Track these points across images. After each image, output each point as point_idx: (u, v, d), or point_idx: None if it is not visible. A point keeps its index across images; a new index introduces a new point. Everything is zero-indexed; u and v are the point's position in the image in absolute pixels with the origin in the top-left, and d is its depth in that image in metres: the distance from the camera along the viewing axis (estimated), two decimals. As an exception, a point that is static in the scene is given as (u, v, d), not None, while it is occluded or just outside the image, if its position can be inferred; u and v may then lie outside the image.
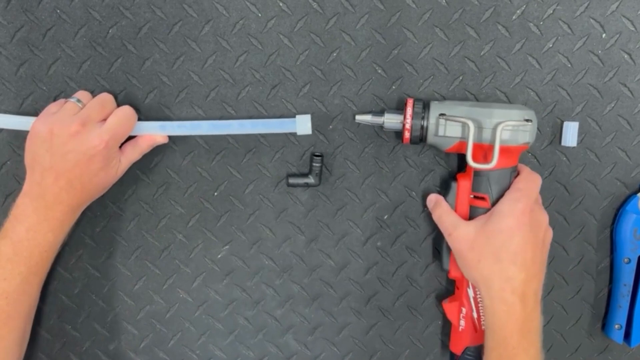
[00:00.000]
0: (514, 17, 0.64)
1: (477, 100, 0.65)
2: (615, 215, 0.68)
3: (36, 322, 0.68)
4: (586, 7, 0.64)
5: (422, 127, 0.60)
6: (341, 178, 0.67)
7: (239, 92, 0.65)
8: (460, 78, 0.65)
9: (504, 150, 0.58)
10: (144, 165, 0.66)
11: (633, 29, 0.64)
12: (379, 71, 0.65)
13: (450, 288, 0.69)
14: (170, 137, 0.65)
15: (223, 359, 0.71)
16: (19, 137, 0.64)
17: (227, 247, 0.69)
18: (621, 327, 0.68)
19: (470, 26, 0.64)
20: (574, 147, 0.66)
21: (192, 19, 0.63)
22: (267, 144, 0.66)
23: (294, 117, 0.62)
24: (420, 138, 0.61)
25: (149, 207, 0.67)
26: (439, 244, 0.68)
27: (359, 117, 0.63)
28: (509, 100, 0.66)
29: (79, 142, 0.56)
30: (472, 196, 0.61)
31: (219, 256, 0.69)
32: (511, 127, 0.57)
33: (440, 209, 0.62)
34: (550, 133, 0.66)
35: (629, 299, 0.68)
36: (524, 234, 0.56)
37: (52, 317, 0.69)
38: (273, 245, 0.69)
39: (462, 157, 0.58)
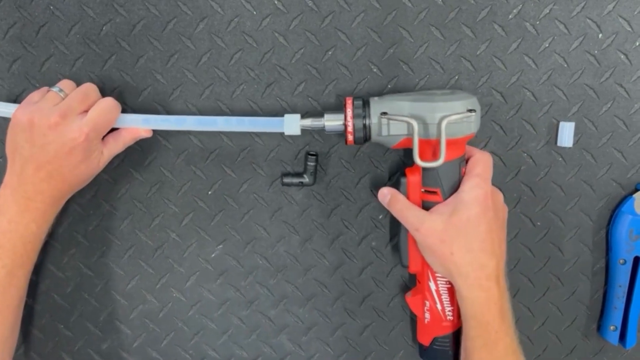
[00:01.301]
0: (510, 16, 0.64)
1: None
2: (611, 216, 0.68)
3: (28, 321, 0.68)
4: (583, 7, 0.64)
5: (364, 126, 0.57)
6: (336, 177, 0.67)
7: (233, 90, 0.64)
8: (456, 77, 0.65)
9: (451, 143, 0.56)
10: (137, 163, 0.66)
11: (629, 29, 0.64)
12: (375, 70, 0.64)
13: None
14: (163, 136, 0.65)
15: (216, 359, 0.70)
16: (11, 135, 0.64)
17: (221, 246, 0.68)
18: (616, 328, 0.68)
19: (467, 25, 0.64)
20: (569, 148, 0.66)
21: (186, 16, 0.63)
22: (261, 142, 0.66)
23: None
24: (364, 138, 0.58)
25: (143, 206, 0.67)
26: (395, 238, 0.68)
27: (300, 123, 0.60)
28: (505, 101, 0.65)
29: (58, 134, 0.55)
30: (423, 190, 0.59)
31: (213, 255, 0.68)
32: (455, 120, 0.55)
33: (400, 204, 0.60)
34: (546, 133, 0.66)
35: (624, 300, 0.68)
36: (489, 220, 0.56)
37: (44, 316, 0.68)
38: (267, 245, 0.68)
39: (409, 152, 0.56)
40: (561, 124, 0.66)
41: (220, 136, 0.65)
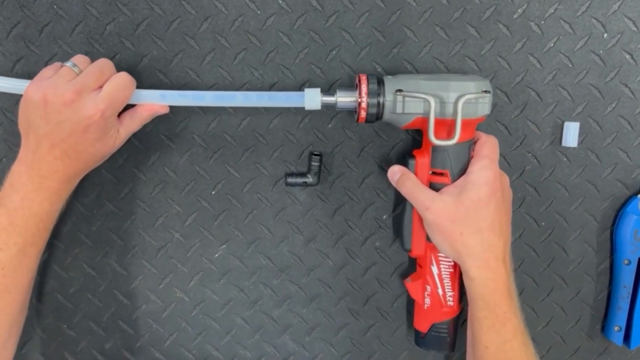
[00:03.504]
0: (515, 16, 0.63)
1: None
2: (616, 216, 0.68)
3: (32, 321, 0.68)
4: (588, 7, 0.63)
5: (378, 103, 0.57)
6: (340, 177, 0.67)
7: (237, 89, 0.64)
8: (461, 77, 0.65)
9: (464, 124, 0.56)
10: (141, 163, 0.66)
11: (635, 29, 0.64)
12: (379, 70, 0.64)
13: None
14: (167, 135, 0.65)
15: (220, 359, 0.70)
16: (14, 134, 0.64)
17: (224, 246, 0.68)
18: (621, 329, 0.68)
19: (471, 25, 0.64)
20: (574, 148, 0.66)
21: (190, 15, 0.63)
22: (265, 142, 0.66)
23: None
24: (376, 116, 0.58)
25: (146, 206, 0.67)
26: (396, 222, 0.68)
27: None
28: (509, 101, 0.65)
29: (73, 111, 0.53)
30: (430, 172, 0.59)
31: (216, 255, 0.68)
32: (471, 100, 0.55)
33: (410, 182, 0.59)
34: (551, 133, 0.66)
35: (628, 300, 0.67)
36: (497, 201, 0.56)
37: (47, 316, 0.68)
38: (271, 245, 0.68)
39: (418, 133, 0.56)
40: (566, 124, 0.65)
41: (224, 136, 0.65)
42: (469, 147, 0.59)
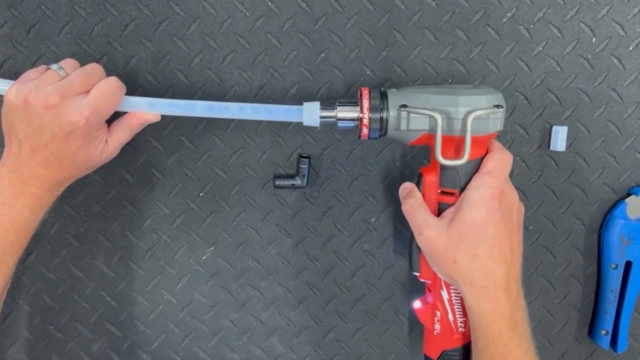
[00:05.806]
0: (504, 20, 0.64)
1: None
2: (603, 220, 0.68)
3: (18, 323, 0.68)
4: (576, 11, 0.63)
5: (381, 119, 0.53)
6: (328, 180, 0.67)
7: (225, 92, 0.64)
8: (449, 80, 0.65)
9: (475, 141, 0.52)
10: (128, 164, 0.65)
11: (623, 33, 0.64)
12: (368, 72, 0.64)
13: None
14: (155, 137, 0.65)
15: (207, 361, 0.70)
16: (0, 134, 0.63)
17: (212, 248, 0.68)
18: (608, 333, 0.68)
19: (460, 28, 0.64)
20: (562, 152, 0.66)
21: (178, 17, 0.62)
22: (253, 144, 0.65)
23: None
24: (379, 133, 0.54)
25: (134, 208, 0.66)
26: (402, 243, 0.67)
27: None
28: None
29: (55, 115, 0.50)
30: (439, 192, 0.55)
31: (204, 257, 0.68)
32: (482, 116, 0.51)
33: (412, 201, 0.56)
34: (539, 137, 0.66)
35: (615, 304, 0.68)
36: (497, 223, 0.52)
37: (34, 318, 0.68)
38: (259, 247, 0.68)
39: (426, 150, 0.53)
40: (554, 128, 0.66)
41: (213, 138, 0.65)
42: (480, 165, 0.54)
